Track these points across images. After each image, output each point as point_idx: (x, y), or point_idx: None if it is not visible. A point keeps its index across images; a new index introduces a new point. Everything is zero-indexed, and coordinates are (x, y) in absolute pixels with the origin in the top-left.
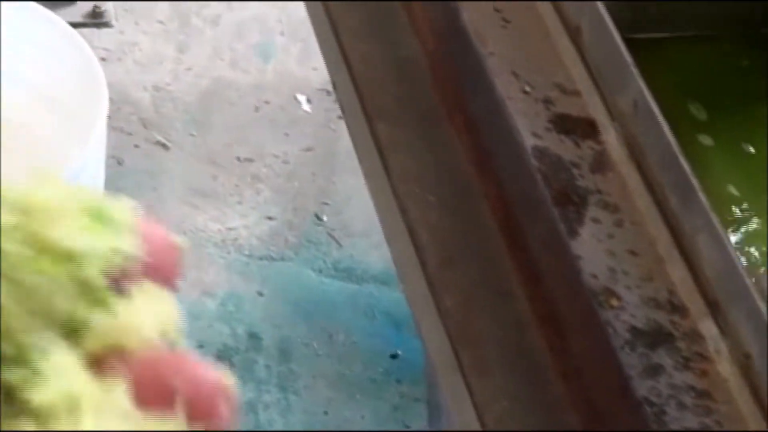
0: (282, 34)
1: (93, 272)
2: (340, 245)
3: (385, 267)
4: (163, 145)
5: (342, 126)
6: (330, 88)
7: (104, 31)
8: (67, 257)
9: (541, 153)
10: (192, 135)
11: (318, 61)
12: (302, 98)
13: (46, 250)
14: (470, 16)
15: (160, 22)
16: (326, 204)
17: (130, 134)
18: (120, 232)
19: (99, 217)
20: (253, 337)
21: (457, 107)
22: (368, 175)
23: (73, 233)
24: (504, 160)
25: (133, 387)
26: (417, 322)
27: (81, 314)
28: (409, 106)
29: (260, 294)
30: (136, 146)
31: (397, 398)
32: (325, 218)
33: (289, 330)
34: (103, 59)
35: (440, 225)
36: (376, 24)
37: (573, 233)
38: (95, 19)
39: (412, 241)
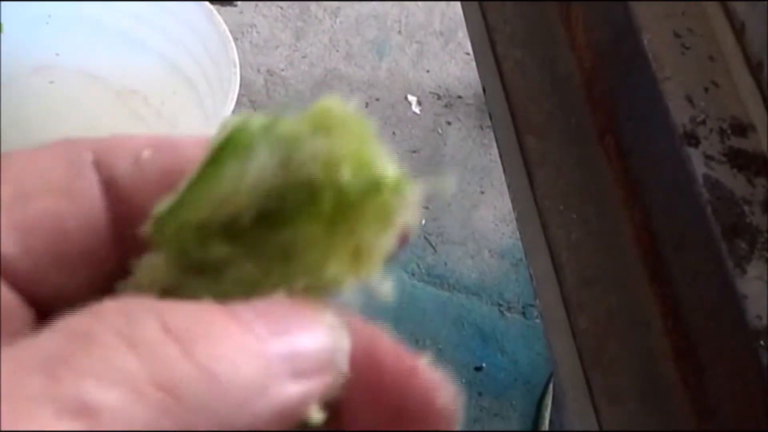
0: (399, 33)
1: None
2: (435, 251)
3: (478, 278)
4: None
5: (449, 131)
6: (441, 92)
7: (224, 9)
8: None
9: (712, 185)
10: None
11: (432, 64)
12: (413, 99)
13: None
14: (649, 37)
15: (280, 7)
16: (425, 208)
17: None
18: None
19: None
20: None
21: (610, 128)
22: (512, 187)
23: None
24: (666, 187)
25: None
26: (549, 340)
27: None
28: (559, 122)
29: None
30: None
31: (477, 411)
32: (423, 222)
33: None
34: None
35: (582, 245)
36: (532, 33)
37: (740, 271)
38: None
39: (552, 258)
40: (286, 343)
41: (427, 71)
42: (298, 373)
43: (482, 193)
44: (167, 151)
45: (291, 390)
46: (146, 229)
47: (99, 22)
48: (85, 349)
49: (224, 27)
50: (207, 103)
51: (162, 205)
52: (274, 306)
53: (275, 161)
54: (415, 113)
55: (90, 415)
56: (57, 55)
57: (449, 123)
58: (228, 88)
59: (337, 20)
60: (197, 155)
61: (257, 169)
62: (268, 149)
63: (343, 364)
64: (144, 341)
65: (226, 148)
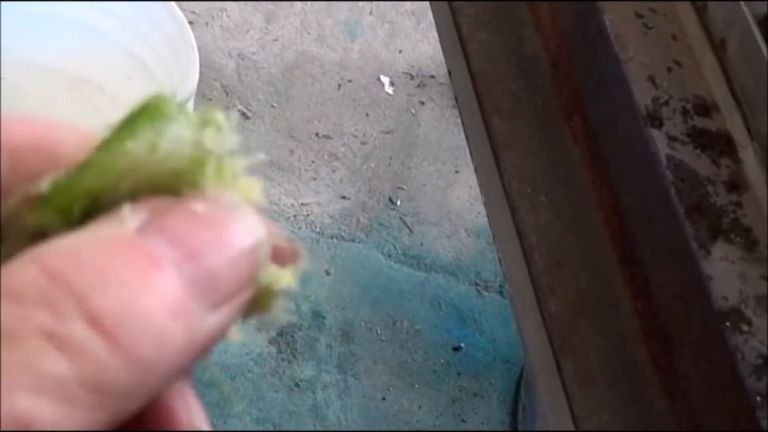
0: (371, 13)
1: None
2: (411, 231)
3: (454, 258)
4: (244, 114)
5: (422, 111)
6: (414, 72)
7: None
8: None
9: (675, 166)
10: (273, 106)
11: (404, 44)
12: (386, 80)
13: None
14: (612, 18)
15: None
16: (401, 188)
17: (210, 100)
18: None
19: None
20: (317, 315)
21: (577, 109)
22: (479, 170)
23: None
24: (632, 168)
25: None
26: (519, 324)
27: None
28: (526, 103)
29: (327, 273)
30: None
31: (456, 391)
32: (398, 203)
33: (353, 312)
34: (190, 23)
35: (550, 227)
36: (496, 14)
37: (704, 252)
38: None
39: (520, 241)
40: (202, 273)
41: (400, 51)
42: (218, 302)
43: (457, 172)
44: (46, 140)
45: (212, 322)
46: (40, 189)
47: (47, 12)
48: (13, 354)
49: (178, 10)
50: (165, 88)
51: (62, 174)
52: (183, 222)
53: (190, 136)
54: (388, 94)
55: (30, 427)
56: (6, 49)
57: (422, 103)
58: (188, 72)
59: (308, 2)
60: (77, 145)
61: (172, 137)
62: (184, 123)
63: (266, 259)
64: (71, 339)
65: (145, 112)
